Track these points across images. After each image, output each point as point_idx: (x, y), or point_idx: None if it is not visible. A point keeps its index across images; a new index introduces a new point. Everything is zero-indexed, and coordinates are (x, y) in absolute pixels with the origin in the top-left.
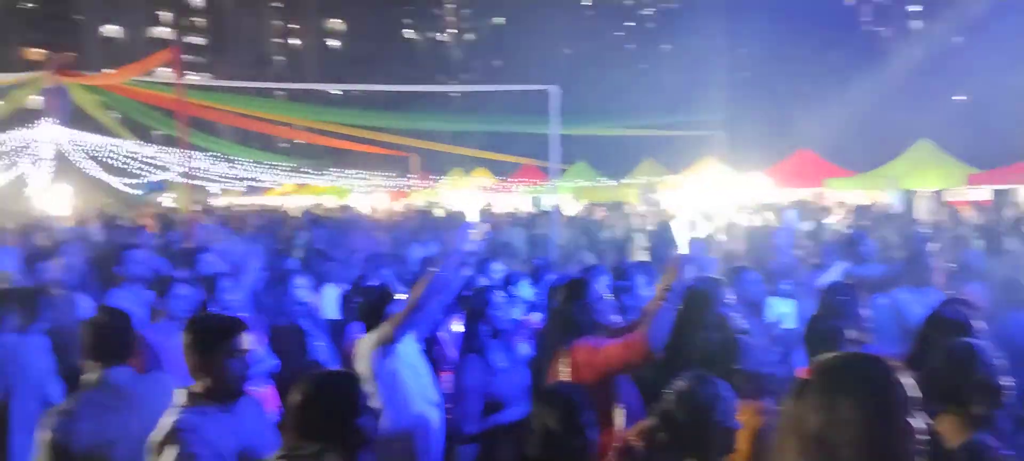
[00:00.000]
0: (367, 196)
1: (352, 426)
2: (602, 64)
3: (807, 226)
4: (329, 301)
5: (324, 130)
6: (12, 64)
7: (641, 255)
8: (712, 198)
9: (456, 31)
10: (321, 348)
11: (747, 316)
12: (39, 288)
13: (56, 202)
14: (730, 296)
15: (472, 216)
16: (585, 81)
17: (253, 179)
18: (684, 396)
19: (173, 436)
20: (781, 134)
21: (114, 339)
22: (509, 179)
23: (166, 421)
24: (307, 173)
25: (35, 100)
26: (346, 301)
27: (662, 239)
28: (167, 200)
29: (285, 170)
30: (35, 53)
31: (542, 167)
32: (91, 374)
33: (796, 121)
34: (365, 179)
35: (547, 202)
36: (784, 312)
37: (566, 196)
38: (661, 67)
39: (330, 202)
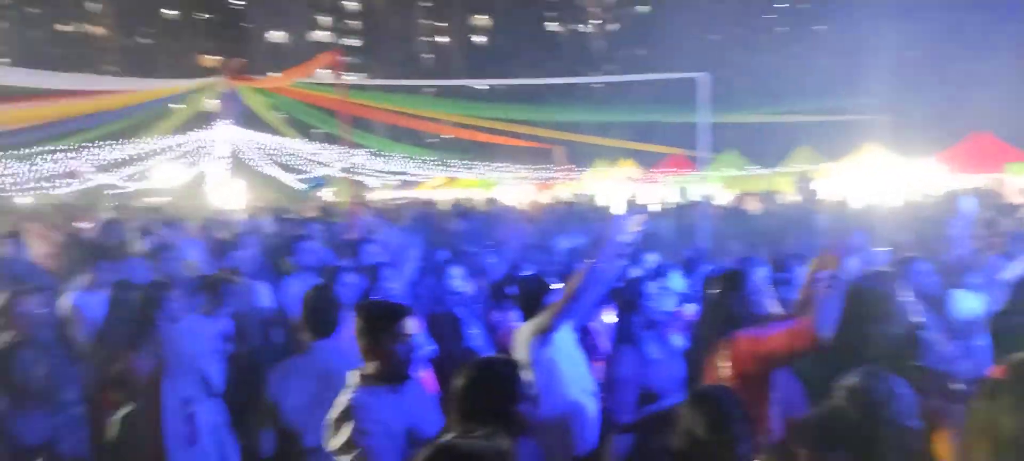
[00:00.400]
0: (513, 189)
1: (513, 411)
2: (752, 49)
3: (984, 214)
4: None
5: (470, 124)
6: (190, 71)
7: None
8: (875, 186)
9: (599, 22)
10: (476, 335)
11: (923, 309)
12: (222, 276)
13: (232, 197)
14: (904, 288)
15: (619, 207)
16: (734, 67)
17: (405, 173)
18: (856, 392)
19: (348, 413)
20: (953, 116)
21: (322, 316)
22: (655, 169)
23: (342, 399)
24: (455, 167)
25: (211, 103)
26: (496, 290)
27: (815, 227)
28: (327, 195)
29: (434, 164)
30: (210, 60)
31: (689, 156)
32: (304, 344)
33: (970, 102)
34: (511, 172)
35: (695, 192)
36: (970, 306)
37: (715, 186)
38: (816, 49)
39: (477, 195)
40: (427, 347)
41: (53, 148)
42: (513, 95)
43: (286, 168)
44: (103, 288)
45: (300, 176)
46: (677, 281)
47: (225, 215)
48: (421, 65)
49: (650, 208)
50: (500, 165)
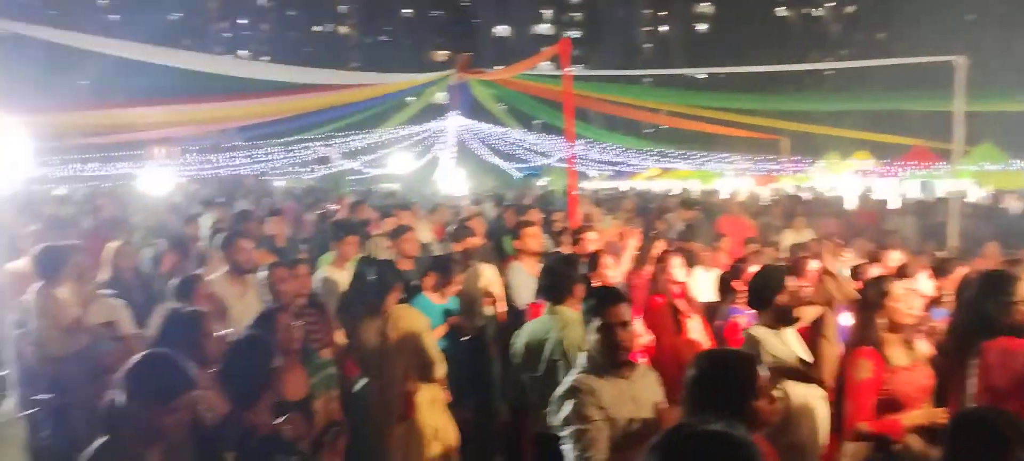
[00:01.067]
0: (732, 181)
1: (749, 406)
2: (1016, 26)
3: None
4: (701, 282)
5: (690, 114)
6: (424, 65)
7: None
8: None
9: (834, 5)
10: (693, 326)
11: None
12: (451, 257)
13: (457, 184)
14: None
15: (850, 201)
16: (994, 50)
17: (622, 164)
18: None
19: (571, 393)
20: None
21: (560, 283)
22: (894, 162)
23: (568, 378)
24: (672, 158)
25: (440, 95)
26: (722, 283)
27: None
28: (543, 183)
29: (651, 155)
30: (440, 55)
31: (933, 148)
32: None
33: None
34: (731, 163)
35: (941, 187)
36: None
37: (967, 181)
38: None
39: (695, 187)
40: (644, 336)
41: (307, 137)
42: (736, 84)
43: (507, 157)
44: (349, 264)
45: (519, 165)
46: (924, 283)
47: (453, 200)
48: (642, 55)
49: (888, 204)
50: (723, 156)
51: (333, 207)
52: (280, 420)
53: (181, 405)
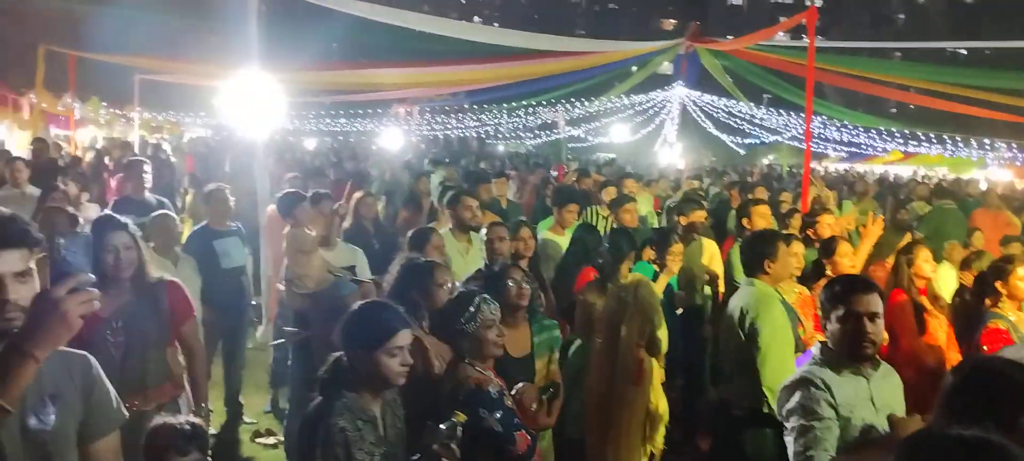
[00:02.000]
0: (992, 171)
1: (1016, 421)
2: None
3: None
4: (947, 280)
5: (947, 93)
6: (650, 34)
7: None
8: None
9: None
10: (938, 328)
11: None
12: (670, 230)
13: (676, 156)
14: None
15: None
16: None
17: (861, 145)
18: None
19: (801, 384)
20: None
21: (753, 256)
22: None
23: (800, 368)
24: (920, 141)
25: (665, 66)
26: (981, 283)
27: None
28: (769, 160)
29: (897, 137)
30: (667, 23)
31: None
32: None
33: None
34: (992, 150)
35: None
36: None
37: None
38: None
39: (944, 175)
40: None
41: (532, 102)
42: (1005, 60)
43: (731, 131)
44: (568, 230)
45: (744, 140)
46: None
47: (672, 173)
48: (893, 26)
49: None
50: (983, 141)
51: (553, 173)
52: (518, 387)
53: (396, 349)
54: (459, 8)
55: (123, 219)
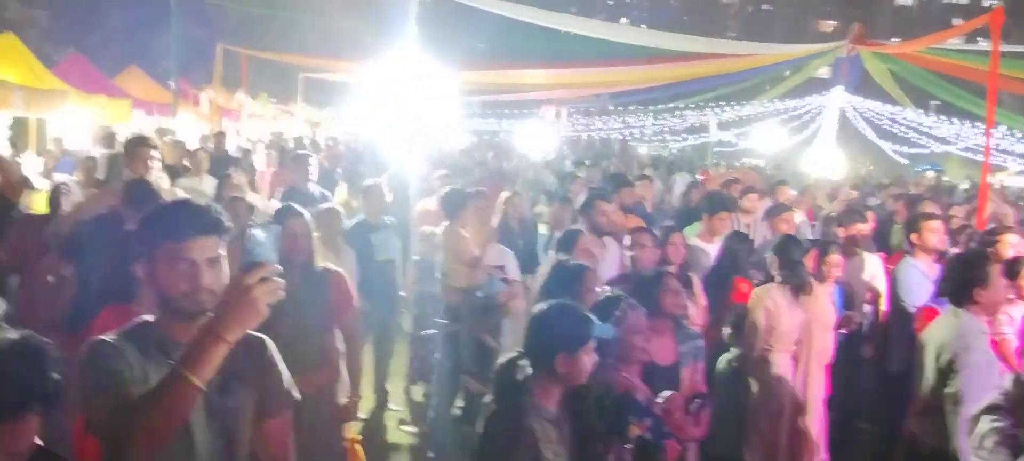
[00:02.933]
0: None
1: None
2: None
3: None
4: None
5: None
6: (807, 35)
7: None
8: None
9: None
10: None
11: None
12: (833, 242)
13: (832, 165)
14: None
15: None
16: None
17: None
18: None
19: (994, 412)
20: None
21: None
22: None
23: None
24: None
25: (822, 70)
26: None
27: None
28: (933, 173)
29: None
30: (826, 25)
31: None
32: None
33: None
34: None
35: None
36: None
37: None
38: None
39: None
40: None
41: (678, 105)
42: None
43: (895, 139)
44: (718, 238)
45: (909, 150)
46: None
47: (830, 185)
48: None
49: None
50: None
51: (699, 177)
52: (664, 395)
53: (583, 354)
54: (607, 9)
55: (301, 208)
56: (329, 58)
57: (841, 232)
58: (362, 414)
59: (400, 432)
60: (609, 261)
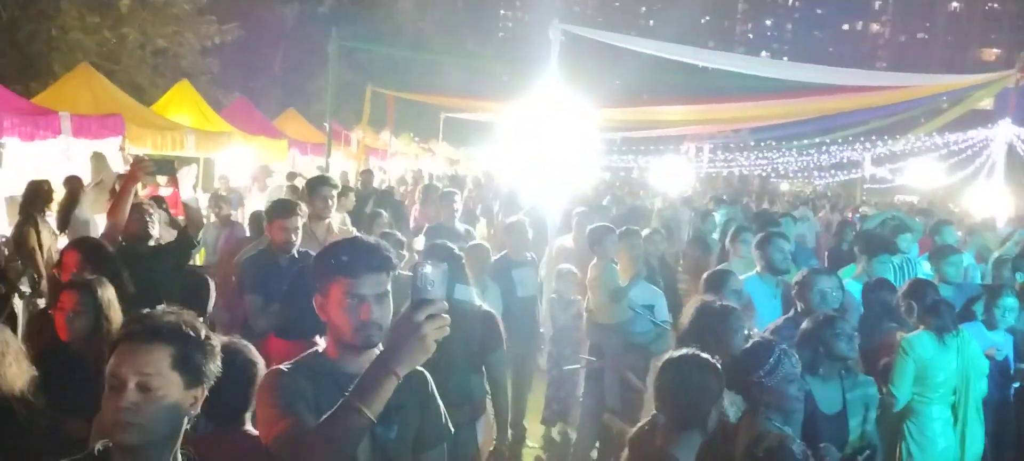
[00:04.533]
0: None
1: None
2: None
3: None
4: None
5: None
6: (967, 65)
7: None
8: None
9: None
10: None
11: None
12: (1000, 287)
13: (997, 203)
14: None
15: None
16: None
17: None
18: None
19: None
20: None
21: None
22: None
23: None
24: None
25: (985, 102)
26: None
27: None
28: None
29: None
30: (989, 53)
31: None
32: None
33: None
34: None
35: None
36: None
37: None
38: None
39: None
40: None
41: (825, 140)
42: None
43: None
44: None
45: None
46: None
47: (990, 223)
48: None
49: None
50: None
51: (851, 215)
52: (822, 447)
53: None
54: (747, 42)
55: (452, 246)
56: (468, 97)
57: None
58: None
59: None
60: (772, 306)
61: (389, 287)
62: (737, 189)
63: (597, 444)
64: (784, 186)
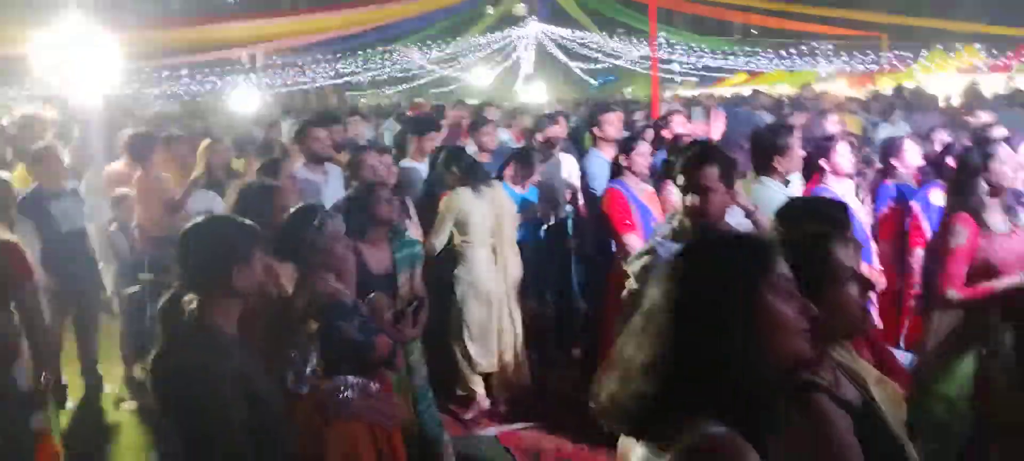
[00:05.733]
0: (827, 84)
1: None
2: None
3: None
4: None
5: (785, 12)
6: None
7: None
8: None
9: None
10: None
11: None
12: (532, 149)
13: (536, 93)
14: None
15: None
16: None
17: (705, 69)
18: None
19: None
20: None
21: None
22: (1009, 57)
23: None
24: (764, 59)
25: (519, 6)
26: None
27: None
28: (625, 91)
29: (740, 57)
30: None
31: None
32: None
33: None
34: (829, 62)
35: None
36: None
37: None
38: None
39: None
40: None
41: (387, 49)
42: None
43: (586, 62)
44: (427, 157)
45: (593, 68)
46: None
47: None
48: None
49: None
50: (814, 57)
51: (410, 113)
52: (370, 297)
53: (253, 265)
54: None
55: None
56: None
57: (538, 137)
58: (71, 402)
59: (120, 413)
60: (334, 187)
61: None
62: (314, 106)
63: None
64: (363, 100)
